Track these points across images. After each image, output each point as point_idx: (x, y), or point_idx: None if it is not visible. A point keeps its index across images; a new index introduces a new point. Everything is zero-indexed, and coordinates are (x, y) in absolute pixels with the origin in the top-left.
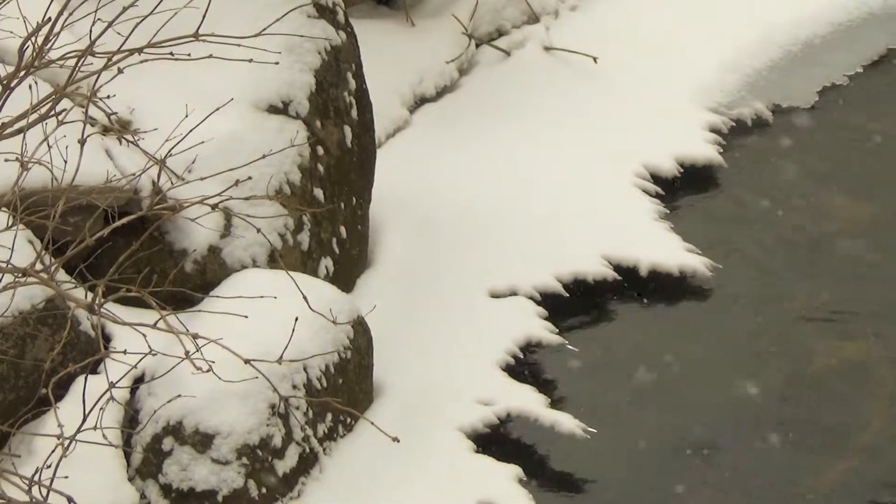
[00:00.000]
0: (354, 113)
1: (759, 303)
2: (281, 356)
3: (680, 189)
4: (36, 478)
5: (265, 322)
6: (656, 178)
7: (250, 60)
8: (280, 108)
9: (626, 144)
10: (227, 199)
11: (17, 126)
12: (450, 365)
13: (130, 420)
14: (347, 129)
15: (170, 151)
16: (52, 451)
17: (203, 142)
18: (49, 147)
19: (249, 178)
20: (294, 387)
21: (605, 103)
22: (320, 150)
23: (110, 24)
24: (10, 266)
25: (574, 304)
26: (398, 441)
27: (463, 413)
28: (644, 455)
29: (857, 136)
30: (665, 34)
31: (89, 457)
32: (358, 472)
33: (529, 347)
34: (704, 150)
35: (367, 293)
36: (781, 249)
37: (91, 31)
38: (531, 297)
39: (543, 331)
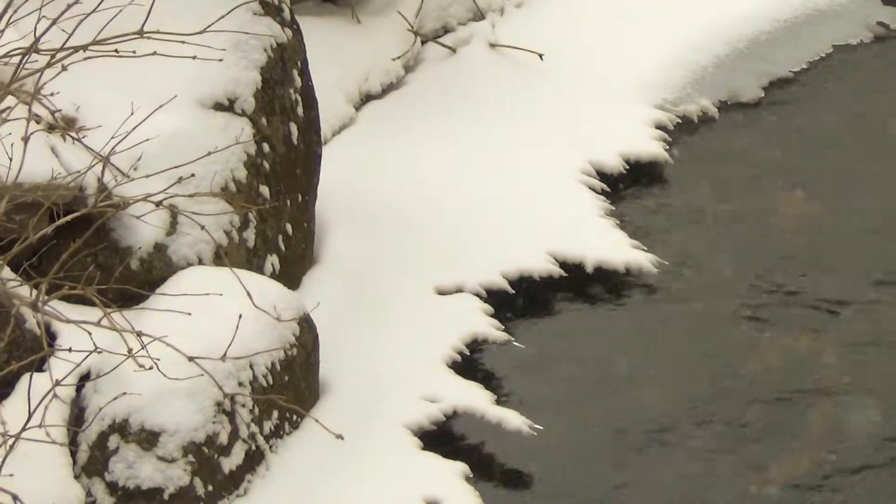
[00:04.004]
0: (300, 110)
1: (704, 298)
2: (225, 353)
3: (626, 186)
4: None
5: (210, 319)
6: (602, 175)
7: (194, 57)
8: (225, 106)
9: (572, 141)
10: (171, 197)
11: None
12: (396, 362)
13: (76, 418)
14: (293, 126)
15: (114, 148)
16: None
17: (148, 139)
18: None
19: (193, 175)
20: (240, 384)
21: (551, 100)
22: (266, 147)
23: (55, 22)
24: None
25: (520, 300)
26: (342, 438)
27: (409, 410)
28: (589, 451)
29: (803, 132)
30: (610, 31)
31: (35, 455)
32: (304, 469)
33: (475, 344)
34: (650, 146)
35: (313, 290)
36: (727, 245)
37: (36, 28)
38: (477, 294)
39: (489, 327)
